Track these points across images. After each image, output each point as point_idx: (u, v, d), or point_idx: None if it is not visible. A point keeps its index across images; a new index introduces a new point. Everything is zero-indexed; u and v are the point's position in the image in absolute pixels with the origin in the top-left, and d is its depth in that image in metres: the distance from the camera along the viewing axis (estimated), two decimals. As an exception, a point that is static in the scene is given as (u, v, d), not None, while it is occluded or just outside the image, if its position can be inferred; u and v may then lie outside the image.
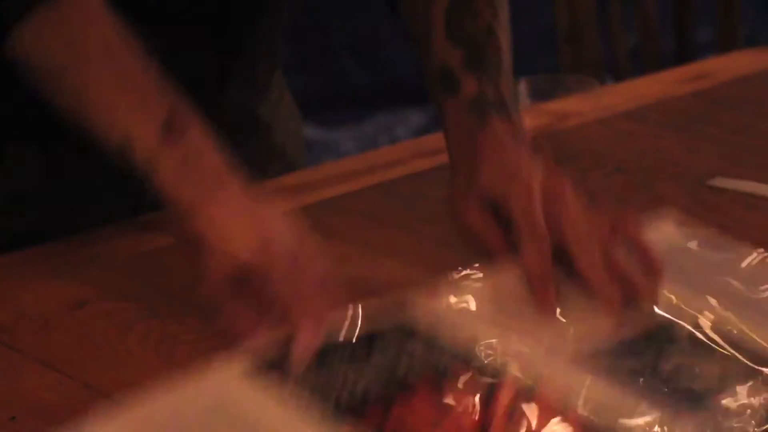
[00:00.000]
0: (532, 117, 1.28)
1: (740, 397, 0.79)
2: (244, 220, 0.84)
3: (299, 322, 0.79)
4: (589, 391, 0.78)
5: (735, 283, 0.92)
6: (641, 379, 0.81)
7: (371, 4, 3.18)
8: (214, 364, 0.80)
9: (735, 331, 0.86)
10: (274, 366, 0.79)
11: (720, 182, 1.17)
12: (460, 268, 0.90)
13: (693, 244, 0.98)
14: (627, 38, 2.14)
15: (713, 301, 0.89)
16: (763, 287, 0.92)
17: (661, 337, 0.86)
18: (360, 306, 0.83)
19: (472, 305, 0.88)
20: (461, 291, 0.88)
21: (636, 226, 0.93)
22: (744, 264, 0.95)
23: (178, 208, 0.86)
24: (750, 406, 0.78)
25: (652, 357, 0.83)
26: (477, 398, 0.77)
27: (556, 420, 0.76)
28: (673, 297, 0.89)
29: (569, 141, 1.31)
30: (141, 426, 0.75)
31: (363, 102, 3.43)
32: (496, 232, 0.93)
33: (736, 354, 0.83)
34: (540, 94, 1.36)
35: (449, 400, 0.77)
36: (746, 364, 0.82)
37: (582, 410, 0.77)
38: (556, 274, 0.88)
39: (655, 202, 1.14)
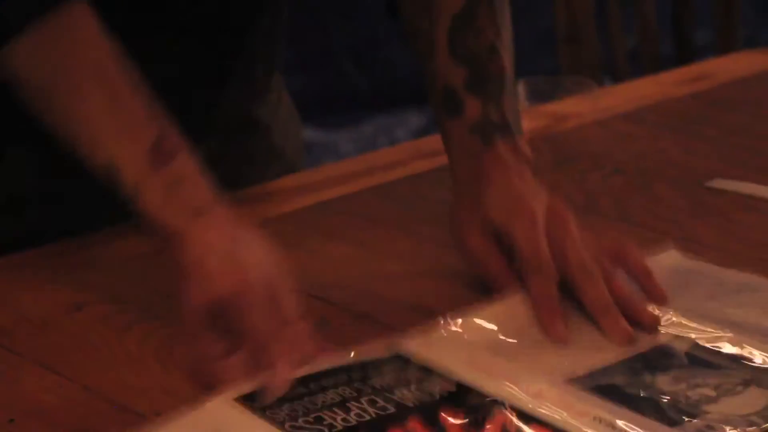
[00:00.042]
0: (530, 118, 1.28)
1: (735, 407, 0.79)
2: (224, 251, 0.83)
3: (272, 361, 0.79)
4: (584, 408, 0.78)
5: (733, 305, 0.93)
6: (641, 393, 0.81)
7: (370, 6, 3.19)
8: (210, 393, 0.80)
9: (733, 349, 0.86)
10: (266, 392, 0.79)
11: (719, 184, 1.17)
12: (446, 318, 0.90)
13: (693, 271, 0.98)
14: (626, 39, 2.14)
15: (713, 321, 0.90)
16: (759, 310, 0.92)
17: (658, 355, 0.86)
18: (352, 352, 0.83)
19: (468, 334, 0.88)
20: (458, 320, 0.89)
21: (637, 255, 0.94)
22: (741, 288, 0.95)
23: (161, 234, 0.86)
24: (743, 415, 0.78)
25: (650, 374, 0.83)
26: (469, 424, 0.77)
27: None
28: (671, 316, 0.90)
29: (568, 142, 1.31)
30: None
31: (362, 103, 3.43)
32: (499, 259, 0.94)
33: (733, 369, 0.84)
34: (539, 96, 1.37)
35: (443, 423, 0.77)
36: (742, 377, 0.82)
37: (578, 427, 0.77)
38: (561, 301, 0.89)
39: (654, 203, 1.14)
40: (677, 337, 0.88)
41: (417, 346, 0.86)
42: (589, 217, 1.09)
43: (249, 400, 0.78)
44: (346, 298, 0.96)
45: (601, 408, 0.78)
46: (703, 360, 0.85)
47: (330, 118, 3.31)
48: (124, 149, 0.88)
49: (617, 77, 2.09)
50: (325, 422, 0.76)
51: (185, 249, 0.84)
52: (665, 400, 0.80)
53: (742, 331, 0.88)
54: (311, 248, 1.06)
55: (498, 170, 0.96)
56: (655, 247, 1.01)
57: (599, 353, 0.86)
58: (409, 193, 1.18)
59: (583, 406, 0.79)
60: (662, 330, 0.89)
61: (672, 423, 0.77)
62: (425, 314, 0.93)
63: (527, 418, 0.77)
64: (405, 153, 1.30)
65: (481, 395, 0.80)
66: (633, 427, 0.76)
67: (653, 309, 0.91)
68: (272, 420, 0.76)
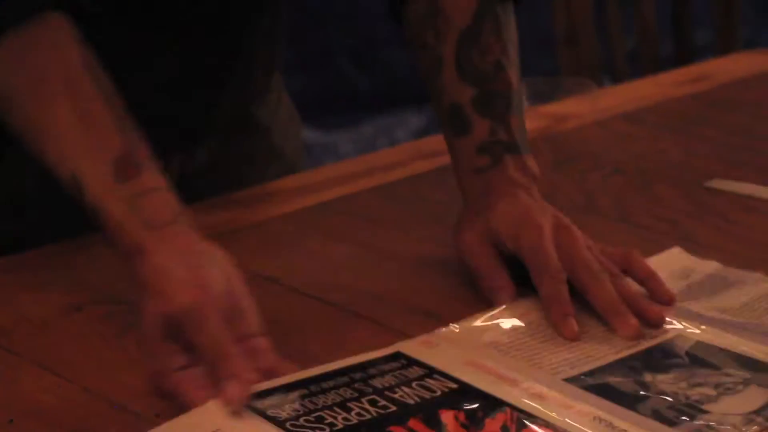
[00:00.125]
0: (530, 119, 1.27)
1: (735, 406, 0.79)
2: (184, 265, 0.83)
3: (230, 375, 0.78)
4: (584, 408, 0.78)
5: (735, 304, 0.93)
6: (641, 392, 0.81)
7: (370, 7, 3.19)
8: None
9: (734, 347, 0.86)
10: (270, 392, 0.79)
11: (718, 184, 1.17)
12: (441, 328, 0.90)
13: (695, 270, 0.98)
14: (625, 41, 2.14)
15: (714, 319, 0.90)
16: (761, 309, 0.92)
17: (659, 354, 0.86)
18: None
19: (469, 336, 0.88)
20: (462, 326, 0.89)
21: (641, 260, 0.95)
22: (743, 287, 0.95)
23: (122, 247, 0.86)
24: (743, 414, 0.78)
25: (650, 373, 0.83)
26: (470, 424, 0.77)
27: None
28: (673, 315, 0.90)
29: (568, 143, 1.31)
30: None
31: (362, 104, 3.43)
32: (502, 269, 0.94)
33: (734, 368, 0.84)
34: (539, 97, 1.37)
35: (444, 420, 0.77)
36: (743, 376, 0.82)
37: (578, 427, 0.77)
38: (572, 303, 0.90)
39: (654, 203, 1.14)
40: (678, 336, 0.88)
41: (418, 347, 0.86)
42: (589, 218, 1.09)
43: (251, 401, 0.78)
44: (346, 298, 0.96)
45: (600, 408, 0.78)
46: (704, 359, 0.85)
47: (330, 119, 3.31)
48: (89, 161, 0.87)
49: (617, 78, 2.09)
50: (326, 421, 0.76)
51: (145, 262, 0.84)
52: (665, 400, 0.80)
53: (744, 329, 0.88)
54: (311, 249, 1.06)
55: (506, 187, 0.97)
56: (655, 247, 1.01)
57: (599, 353, 0.86)
58: (409, 193, 1.18)
59: (583, 405, 0.79)
60: (664, 329, 0.89)
61: (672, 423, 0.77)
62: (425, 315, 0.93)
63: (527, 417, 0.77)
64: (405, 154, 1.30)
65: (481, 395, 0.80)
66: (633, 426, 0.76)
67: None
68: (273, 420, 0.76)
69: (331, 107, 3.35)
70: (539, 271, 0.91)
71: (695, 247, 1.02)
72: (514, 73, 1.02)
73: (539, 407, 0.78)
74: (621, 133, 1.33)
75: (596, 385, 0.82)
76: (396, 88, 3.36)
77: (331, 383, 0.80)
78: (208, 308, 0.81)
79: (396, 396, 0.79)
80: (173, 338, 0.81)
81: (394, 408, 0.78)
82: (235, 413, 0.77)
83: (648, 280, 0.93)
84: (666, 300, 0.92)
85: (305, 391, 0.79)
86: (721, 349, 0.86)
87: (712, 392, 0.81)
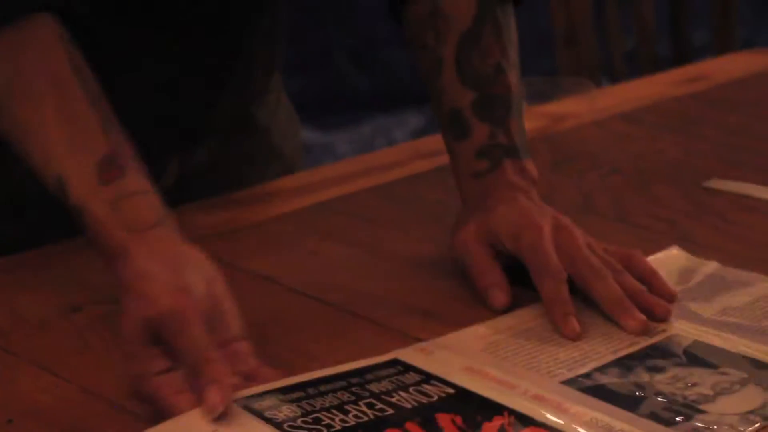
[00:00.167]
0: (529, 119, 1.27)
1: (732, 406, 0.79)
2: (166, 269, 0.83)
3: (211, 379, 0.78)
4: (581, 410, 0.78)
5: (733, 303, 0.93)
6: (637, 393, 0.81)
7: (370, 7, 3.19)
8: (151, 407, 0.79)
9: (732, 347, 0.86)
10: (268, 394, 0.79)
11: (716, 184, 1.17)
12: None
13: (694, 270, 0.98)
14: (624, 41, 2.14)
15: (712, 319, 0.90)
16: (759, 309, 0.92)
17: (657, 354, 0.86)
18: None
19: (465, 341, 0.88)
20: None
21: (642, 258, 0.95)
22: (741, 286, 0.95)
23: (104, 248, 0.86)
24: (740, 413, 0.78)
25: (647, 373, 0.83)
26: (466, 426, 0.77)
27: None
28: (672, 316, 0.90)
29: (566, 143, 1.31)
30: None
31: (361, 104, 3.43)
32: (497, 267, 0.95)
33: (732, 367, 0.84)
34: (537, 96, 1.37)
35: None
36: (741, 375, 0.83)
37: (575, 428, 0.77)
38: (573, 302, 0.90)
39: (652, 203, 1.14)
40: (676, 335, 0.88)
41: (415, 354, 0.86)
42: (587, 217, 1.09)
43: (248, 403, 0.78)
44: (344, 298, 0.96)
45: (597, 409, 0.78)
46: (701, 358, 0.85)
47: (329, 119, 3.31)
48: (73, 162, 0.87)
49: (615, 78, 2.09)
50: (323, 423, 0.76)
51: (127, 265, 0.83)
52: (662, 401, 0.80)
53: (742, 329, 0.88)
54: (310, 249, 1.06)
55: (505, 190, 0.98)
56: (653, 246, 1.01)
57: (597, 354, 0.86)
58: (407, 193, 1.18)
59: (580, 408, 0.79)
60: (662, 328, 0.89)
61: (668, 423, 0.77)
62: (423, 315, 0.93)
63: (524, 420, 0.77)
64: (403, 153, 1.30)
65: (478, 399, 0.80)
66: (629, 428, 0.76)
67: None
68: (270, 421, 0.76)
69: (330, 107, 3.35)
70: (540, 271, 0.91)
71: (694, 246, 1.02)
72: (514, 76, 1.02)
73: (536, 410, 0.78)
74: (619, 133, 1.33)
75: (593, 386, 0.82)
76: (395, 88, 3.36)
77: (328, 387, 0.80)
78: (190, 313, 0.80)
79: (393, 400, 0.79)
80: (154, 342, 0.80)
81: (391, 411, 0.78)
82: (232, 414, 0.77)
83: (649, 278, 0.93)
84: (667, 297, 0.92)
85: (302, 394, 0.79)
86: (719, 349, 0.86)
87: (709, 392, 0.81)
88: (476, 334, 0.89)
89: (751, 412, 0.79)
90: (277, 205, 1.16)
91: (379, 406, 0.79)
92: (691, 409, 0.79)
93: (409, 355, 0.85)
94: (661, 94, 1.45)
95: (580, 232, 0.95)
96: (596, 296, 0.90)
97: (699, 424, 0.77)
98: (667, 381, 0.82)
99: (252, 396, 0.79)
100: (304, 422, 0.76)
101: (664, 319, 0.89)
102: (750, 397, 0.80)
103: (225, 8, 1.09)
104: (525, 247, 0.93)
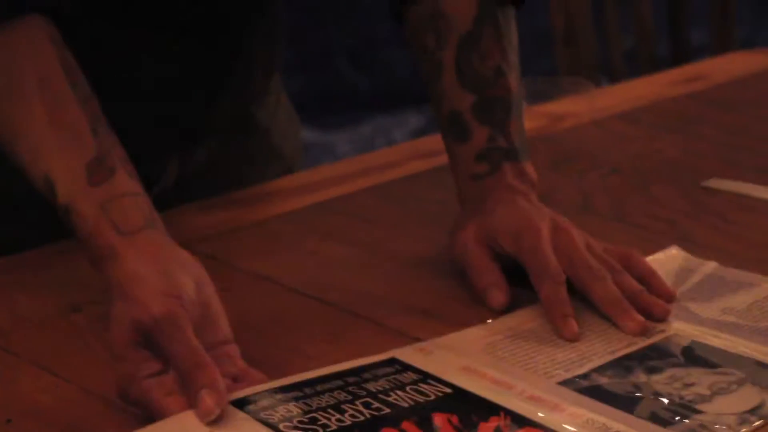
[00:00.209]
0: (528, 119, 1.27)
1: (729, 406, 0.79)
2: (156, 272, 0.82)
3: (202, 384, 0.77)
4: (577, 411, 0.79)
5: (732, 303, 0.93)
6: (635, 393, 0.81)
7: (370, 7, 3.19)
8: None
9: (730, 347, 0.86)
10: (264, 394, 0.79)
11: (715, 183, 1.18)
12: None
13: (692, 270, 0.98)
14: (623, 41, 2.14)
15: (711, 319, 0.90)
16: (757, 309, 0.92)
17: (654, 354, 0.86)
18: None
19: (463, 342, 0.88)
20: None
21: (641, 258, 0.95)
22: (740, 286, 0.95)
23: (92, 251, 0.86)
24: (737, 413, 0.79)
25: (645, 374, 0.83)
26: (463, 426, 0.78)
27: None
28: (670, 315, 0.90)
29: (565, 142, 1.31)
30: None
31: (360, 104, 3.43)
32: (495, 267, 0.95)
33: (729, 367, 0.84)
34: (536, 96, 1.37)
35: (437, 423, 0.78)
36: (738, 375, 0.83)
37: (571, 429, 0.77)
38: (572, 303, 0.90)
39: (651, 203, 1.14)
40: (674, 335, 0.88)
41: (412, 353, 0.86)
42: (587, 217, 1.09)
43: (244, 404, 0.78)
44: (344, 298, 0.96)
45: (594, 410, 0.79)
46: (699, 358, 0.85)
47: (328, 119, 3.31)
48: (61, 163, 0.87)
49: (614, 78, 2.09)
50: (319, 422, 0.76)
51: (116, 268, 0.83)
52: (659, 401, 0.80)
53: (740, 329, 0.88)
54: (309, 248, 1.06)
55: (504, 193, 0.98)
56: (652, 246, 1.01)
57: (594, 354, 0.86)
58: (406, 193, 1.18)
59: (577, 408, 0.79)
60: (660, 328, 0.89)
61: (665, 423, 0.77)
62: (423, 314, 0.93)
63: (521, 420, 0.78)
64: (402, 153, 1.30)
65: (475, 399, 0.80)
66: (626, 428, 0.76)
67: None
68: (266, 422, 0.76)
69: (330, 107, 3.35)
70: (538, 273, 0.91)
71: (693, 246, 1.03)
72: (513, 78, 1.02)
73: (532, 410, 0.78)
74: (618, 133, 1.34)
75: (590, 387, 0.82)
76: (394, 88, 3.36)
77: (325, 386, 0.80)
78: (182, 317, 0.80)
79: (390, 399, 0.80)
80: (143, 345, 0.80)
81: (387, 410, 0.78)
82: (227, 416, 0.77)
83: (648, 278, 0.93)
84: (666, 298, 0.92)
85: (299, 394, 0.79)
86: (717, 349, 0.86)
87: (707, 392, 0.81)
88: (475, 334, 0.89)
89: (749, 411, 0.79)
90: (277, 205, 1.16)
91: (376, 405, 0.79)
92: (688, 410, 0.79)
93: (406, 354, 0.86)
94: (660, 94, 1.45)
95: (579, 232, 0.95)
96: (594, 297, 0.90)
97: (696, 424, 0.77)
98: (665, 381, 0.82)
99: (247, 397, 0.79)
100: (300, 422, 0.76)
101: (662, 319, 0.90)
102: (747, 397, 0.80)
103: (225, 8, 1.09)
104: (524, 250, 0.93)
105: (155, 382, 0.79)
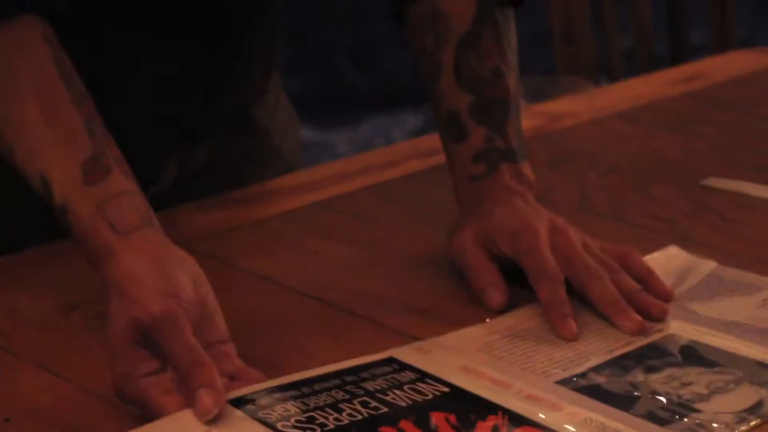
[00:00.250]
0: (526, 118, 1.28)
1: (727, 405, 0.79)
2: (153, 272, 0.82)
3: (200, 383, 0.77)
4: (575, 410, 0.79)
5: (730, 303, 0.93)
6: (632, 393, 0.81)
7: (369, 7, 3.19)
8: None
9: (728, 346, 0.86)
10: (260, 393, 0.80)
11: (714, 182, 1.18)
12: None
13: (691, 269, 0.98)
14: (621, 40, 2.14)
15: (709, 318, 0.90)
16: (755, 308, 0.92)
17: (652, 353, 0.86)
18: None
19: (461, 341, 0.88)
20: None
21: (639, 257, 0.95)
22: (738, 285, 0.95)
23: (89, 250, 0.86)
24: (734, 412, 0.79)
25: (642, 373, 0.84)
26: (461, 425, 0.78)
27: None
28: (669, 315, 0.91)
29: (563, 141, 1.31)
30: None
31: (359, 104, 3.43)
32: (494, 268, 0.95)
33: (727, 366, 0.84)
34: (535, 95, 1.37)
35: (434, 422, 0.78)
36: (735, 374, 0.83)
37: (569, 428, 0.77)
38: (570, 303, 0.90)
39: (650, 202, 1.14)
40: (672, 334, 0.88)
41: (411, 353, 0.86)
42: (585, 217, 1.09)
43: (242, 403, 0.78)
44: (343, 297, 0.96)
45: (592, 409, 0.79)
46: (697, 357, 0.85)
47: (327, 119, 3.31)
48: (57, 162, 0.87)
49: (613, 78, 2.09)
50: (317, 422, 0.76)
51: (113, 267, 0.83)
52: (657, 400, 0.80)
53: (738, 328, 0.89)
54: (308, 248, 1.06)
55: (501, 194, 0.98)
56: (651, 246, 1.01)
57: (592, 354, 0.86)
58: (405, 192, 1.18)
59: (574, 407, 0.79)
60: (657, 327, 0.89)
61: (663, 422, 0.78)
62: (421, 314, 0.93)
63: (518, 419, 0.78)
64: (401, 152, 1.30)
65: (473, 398, 0.80)
66: (623, 427, 0.77)
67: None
68: (264, 421, 0.76)
69: (329, 107, 3.35)
70: (537, 274, 0.92)
71: (692, 245, 1.03)
72: (512, 79, 1.02)
73: (530, 410, 0.79)
74: (617, 132, 1.34)
75: (588, 386, 0.82)
76: (394, 88, 3.36)
77: (323, 385, 0.81)
78: (180, 317, 0.80)
79: (387, 398, 0.80)
80: (141, 344, 0.80)
81: (385, 409, 0.78)
82: (225, 415, 0.77)
83: (646, 277, 0.94)
84: (664, 297, 0.92)
85: (297, 393, 0.79)
86: (715, 348, 0.86)
87: (704, 391, 0.81)
88: (473, 334, 0.89)
89: (746, 410, 0.79)
90: (276, 204, 1.16)
91: (374, 404, 0.79)
92: (686, 409, 0.79)
93: (404, 353, 0.86)
94: (659, 93, 1.46)
95: (576, 232, 0.95)
96: (592, 297, 0.91)
97: (694, 423, 0.77)
98: (663, 380, 0.83)
99: (245, 396, 0.79)
100: (297, 421, 0.76)
101: (660, 319, 0.90)
102: (745, 396, 0.80)
103: (225, 8, 1.10)
104: (522, 251, 0.93)
105: (153, 380, 0.79)
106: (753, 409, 0.79)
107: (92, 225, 0.85)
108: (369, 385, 0.81)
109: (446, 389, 0.81)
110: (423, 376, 0.83)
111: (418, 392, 0.81)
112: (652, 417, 0.78)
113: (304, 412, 0.77)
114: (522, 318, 0.91)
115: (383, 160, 1.27)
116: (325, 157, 3.02)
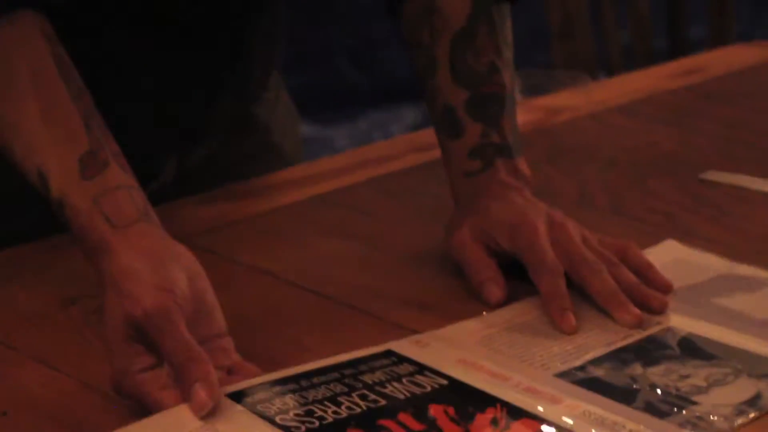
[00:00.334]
0: (525, 111, 1.28)
1: (725, 397, 0.79)
2: (149, 266, 0.82)
3: (196, 378, 0.77)
4: (574, 402, 0.79)
5: (728, 296, 0.93)
6: (631, 385, 0.81)
7: (368, 4, 3.19)
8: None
9: (726, 339, 0.86)
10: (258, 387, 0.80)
11: (713, 176, 1.18)
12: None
13: (689, 262, 0.98)
14: (620, 35, 2.14)
15: (707, 311, 0.90)
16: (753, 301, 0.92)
17: (651, 346, 0.86)
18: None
19: (459, 334, 0.88)
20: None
21: (637, 250, 0.95)
22: (737, 279, 0.96)
23: (86, 244, 0.85)
24: (733, 404, 0.79)
25: (641, 366, 0.84)
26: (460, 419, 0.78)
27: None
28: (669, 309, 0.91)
29: (562, 136, 1.31)
30: None
31: (358, 99, 3.43)
32: (492, 263, 0.95)
33: (725, 359, 0.84)
34: (533, 89, 1.37)
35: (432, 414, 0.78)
36: (734, 366, 0.83)
37: (567, 421, 0.77)
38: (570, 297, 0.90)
39: (648, 196, 1.14)
40: (670, 327, 0.88)
41: (409, 345, 0.86)
42: (583, 211, 1.10)
43: (240, 397, 0.78)
44: (341, 291, 0.96)
45: (590, 402, 0.79)
46: (695, 350, 0.85)
47: (326, 114, 3.31)
48: (54, 156, 0.87)
49: (611, 73, 2.09)
50: (315, 415, 0.76)
51: (110, 262, 0.83)
52: (656, 393, 0.80)
53: (736, 321, 0.89)
54: (306, 242, 1.06)
55: (497, 190, 0.98)
56: (649, 239, 1.01)
57: (591, 347, 0.86)
58: (403, 186, 1.18)
59: (573, 400, 0.79)
60: (656, 320, 0.89)
61: (662, 415, 0.78)
62: (419, 307, 0.93)
63: (517, 412, 0.78)
64: (399, 147, 1.30)
65: (471, 390, 0.80)
66: (622, 419, 0.77)
67: None
68: (263, 414, 0.76)
69: (328, 102, 3.35)
70: (537, 267, 0.92)
71: (690, 239, 1.03)
72: (507, 75, 1.02)
73: (529, 402, 0.79)
74: (615, 126, 1.34)
75: (587, 379, 0.82)
76: (392, 83, 3.36)
77: (321, 379, 0.81)
78: (174, 312, 0.80)
79: (386, 391, 0.80)
80: (137, 339, 0.80)
81: (384, 402, 0.78)
82: (222, 409, 0.77)
83: (645, 270, 0.94)
84: (663, 289, 0.92)
85: (295, 386, 0.79)
86: (713, 341, 0.86)
87: (703, 383, 0.81)
88: (471, 327, 0.89)
89: (745, 403, 0.79)
90: (275, 198, 1.16)
91: (372, 397, 0.79)
92: (684, 401, 0.79)
93: (403, 346, 0.86)
94: (658, 87, 1.46)
95: (575, 225, 0.95)
96: (591, 290, 0.91)
97: (693, 416, 0.77)
98: (661, 373, 0.83)
99: (244, 390, 0.79)
100: (296, 415, 0.76)
101: (661, 311, 0.90)
102: (743, 389, 0.80)
103: (225, 8, 1.09)
104: (521, 245, 0.93)
105: (149, 375, 0.79)
106: (751, 402, 0.79)
107: (89, 219, 0.85)
108: (367, 378, 0.81)
109: (445, 382, 0.81)
110: (421, 368, 0.83)
111: (417, 385, 0.81)
112: (650, 409, 0.78)
113: (303, 405, 0.77)
114: (521, 311, 0.91)
115: (382, 154, 1.27)
116: (324, 152, 3.01)
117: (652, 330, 0.88)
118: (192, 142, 1.16)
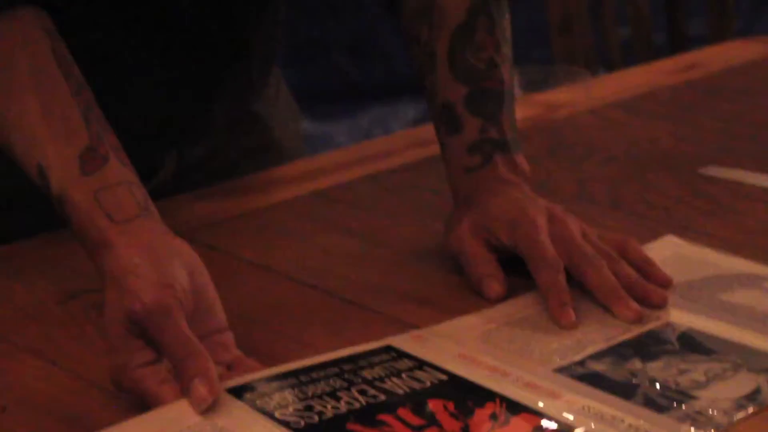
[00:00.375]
0: (524, 107, 1.28)
1: (724, 392, 0.79)
2: (149, 262, 0.82)
3: (195, 373, 0.77)
4: (573, 397, 0.79)
5: (728, 291, 0.93)
6: (630, 380, 0.81)
7: (368, 1, 3.19)
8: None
9: (726, 333, 0.86)
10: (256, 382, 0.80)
11: (712, 171, 1.18)
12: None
13: (689, 257, 0.98)
14: (619, 31, 2.14)
15: (707, 306, 0.91)
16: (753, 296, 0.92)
17: (650, 341, 0.86)
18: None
19: (459, 329, 0.88)
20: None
21: (637, 246, 0.95)
22: (736, 274, 0.96)
23: (86, 240, 0.85)
24: (732, 399, 0.79)
25: (640, 360, 0.84)
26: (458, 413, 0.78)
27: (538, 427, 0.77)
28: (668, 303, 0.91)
29: (561, 131, 1.31)
30: None
31: (358, 95, 3.43)
32: (491, 258, 0.95)
33: (725, 353, 0.84)
34: (532, 85, 1.37)
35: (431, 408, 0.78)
36: (733, 361, 0.83)
37: (567, 416, 0.77)
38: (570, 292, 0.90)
39: (648, 191, 1.14)
40: (670, 322, 0.88)
41: (408, 341, 0.86)
42: (583, 205, 1.10)
43: (240, 392, 0.78)
44: (340, 286, 0.96)
45: (590, 396, 0.79)
46: (695, 344, 0.85)
47: (325, 110, 3.31)
48: (55, 152, 0.87)
49: (610, 68, 2.09)
50: (315, 410, 0.77)
51: (110, 257, 0.83)
52: (655, 388, 0.80)
53: (736, 315, 0.89)
54: (306, 237, 1.06)
55: (496, 185, 0.98)
56: (649, 234, 1.01)
57: (590, 342, 0.86)
58: (402, 182, 1.18)
59: (572, 395, 0.79)
60: (655, 315, 0.89)
61: (661, 409, 0.78)
62: (419, 302, 0.93)
63: (516, 407, 0.78)
64: (399, 142, 1.30)
65: (471, 385, 0.80)
66: (621, 414, 0.77)
67: None
68: (262, 409, 0.77)
69: (327, 98, 3.35)
70: (537, 262, 0.92)
71: (689, 233, 1.03)
72: (506, 71, 1.02)
73: (528, 397, 0.79)
74: (614, 121, 1.34)
75: (586, 374, 0.82)
76: (391, 79, 3.36)
77: (320, 374, 0.81)
78: (173, 308, 0.80)
79: (386, 386, 0.80)
80: (137, 334, 0.80)
81: (383, 397, 0.78)
82: (222, 404, 0.77)
83: (644, 265, 0.94)
84: (663, 284, 0.92)
85: (295, 381, 0.79)
86: (712, 335, 0.86)
87: (702, 378, 0.81)
88: (471, 322, 0.89)
89: (744, 397, 0.79)
90: (274, 194, 1.16)
91: (372, 392, 0.79)
92: (684, 396, 0.79)
93: (402, 341, 0.86)
94: (657, 83, 1.46)
95: (574, 221, 0.95)
96: (590, 285, 0.91)
97: (692, 410, 0.77)
98: (661, 368, 0.83)
99: (243, 385, 0.79)
100: (295, 410, 0.77)
101: (661, 305, 0.90)
102: (742, 383, 0.80)
103: (226, 8, 1.09)
104: (521, 240, 0.93)
105: (149, 371, 0.79)
106: (751, 396, 0.79)
107: (89, 215, 0.85)
108: (367, 373, 0.81)
109: (444, 377, 0.81)
110: (421, 364, 0.83)
111: (416, 380, 0.81)
112: (650, 404, 0.78)
113: (302, 400, 0.78)
114: (520, 306, 0.91)
115: (381, 150, 1.27)
116: (324, 147, 3.02)
117: (652, 325, 0.88)
118: (192, 140, 1.16)
